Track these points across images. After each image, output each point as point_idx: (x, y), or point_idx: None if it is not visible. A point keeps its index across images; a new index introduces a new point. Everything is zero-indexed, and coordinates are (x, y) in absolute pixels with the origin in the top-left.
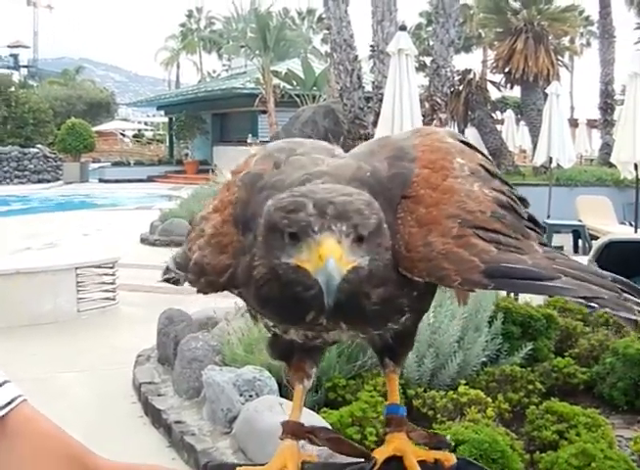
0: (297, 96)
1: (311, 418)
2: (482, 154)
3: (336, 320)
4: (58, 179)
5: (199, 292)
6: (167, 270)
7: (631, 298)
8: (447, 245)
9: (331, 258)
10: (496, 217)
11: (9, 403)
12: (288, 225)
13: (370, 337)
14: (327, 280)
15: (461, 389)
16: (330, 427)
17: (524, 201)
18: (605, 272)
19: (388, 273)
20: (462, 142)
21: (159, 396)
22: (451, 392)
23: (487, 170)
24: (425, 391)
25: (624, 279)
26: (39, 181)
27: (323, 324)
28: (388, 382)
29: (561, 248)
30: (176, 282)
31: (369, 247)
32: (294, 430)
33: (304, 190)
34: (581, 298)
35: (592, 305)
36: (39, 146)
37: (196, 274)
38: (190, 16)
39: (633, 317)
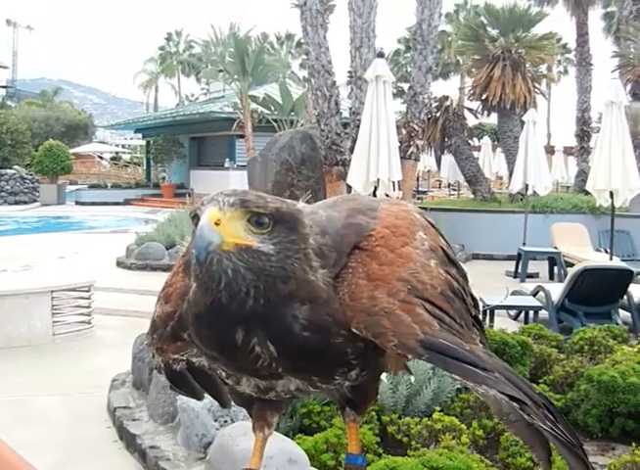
0: (275, 121)
1: (286, 444)
2: (445, 240)
3: (268, 346)
4: (35, 201)
5: (153, 357)
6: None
7: (548, 415)
8: (392, 305)
9: (204, 219)
10: (445, 297)
11: None
12: (191, 216)
13: (326, 390)
14: (196, 239)
15: (435, 415)
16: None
17: (476, 301)
18: (533, 385)
19: (315, 293)
20: (429, 223)
21: (133, 420)
22: (426, 418)
23: (447, 255)
24: (399, 417)
25: (547, 397)
26: (16, 203)
27: (257, 352)
28: (348, 431)
29: (537, 274)
30: (159, 369)
31: (275, 237)
32: None
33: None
34: (508, 396)
35: (514, 404)
36: (16, 167)
37: (150, 333)
38: (169, 39)
39: (544, 428)
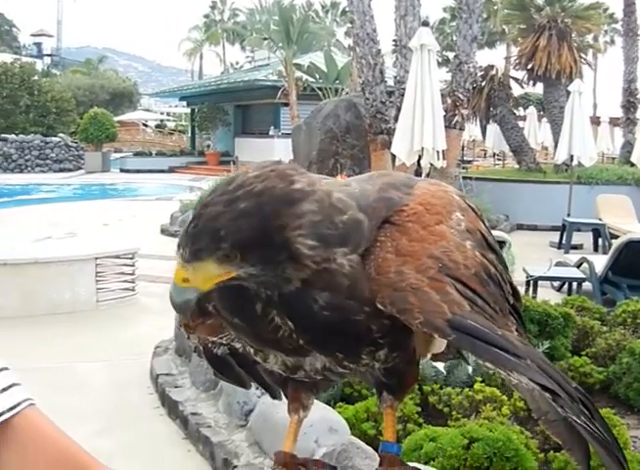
0: (320, 89)
1: (327, 413)
2: (486, 226)
3: (287, 321)
4: (79, 168)
5: (188, 338)
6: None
7: (584, 410)
8: (420, 282)
9: (172, 283)
10: (479, 279)
11: (13, 408)
12: None
13: (356, 371)
14: (172, 305)
15: (476, 386)
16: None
17: (516, 291)
18: (570, 380)
19: (334, 282)
20: (470, 206)
21: (176, 387)
22: (467, 389)
23: (486, 240)
24: (441, 387)
25: (584, 392)
26: (61, 170)
27: (276, 322)
28: (384, 418)
29: (581, 246)
30: (198, 353)
31: (249, 259)
32: (286, 461)
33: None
34: (540, 385)
35: (546, 394)
36: (61, 135)
37: None
38: (214, 7)
39: (578, 422)
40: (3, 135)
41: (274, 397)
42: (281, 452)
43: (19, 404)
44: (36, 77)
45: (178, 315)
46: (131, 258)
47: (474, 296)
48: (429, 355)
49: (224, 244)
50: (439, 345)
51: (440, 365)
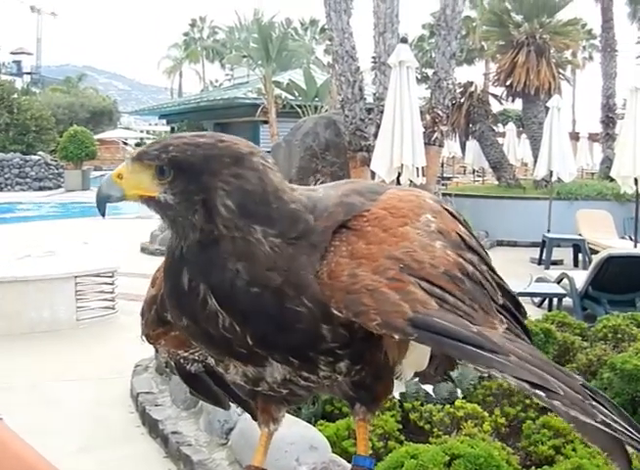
0: (299, 107)
1: (308, 430)
2: (467, 228)
3: (214, 299)
4: (59, 187)
5: (157, 352)
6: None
7: (598, 406)
8: (376, 283)
9: (107, 175)
10: (450, 277)
11: None
12: None
13: (320, 384)
14: (96, 193)
15: (458, 403)
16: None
17: (505, 290)
18: (577, 376)
19: (249, 251)
20: (445, 209)
21: (156, 406)
22: (448, 406)
23: (464, 240)
24: (422, 404)
25: (594, 388)
26: (40, 188)
27: (209, 304)
28: (357, 430)
29: (561, 262)
30: (171, 369)
31: (175, 186)
32: None
33: None
34: (528, 382)
35: (538, 392)
36: (41, 153)
37: (141, 320)
38: (193, 25)
39: (593, 422)
40: None
41: (255, 418)
42: (251, 467)
43: None
44: (16, 95)
45: (143, 307)
46: (111, 277)
47: (443, 293)
48: (411, 376)
49: (165, 156)
50: (418, 353)
51: (429, 388)
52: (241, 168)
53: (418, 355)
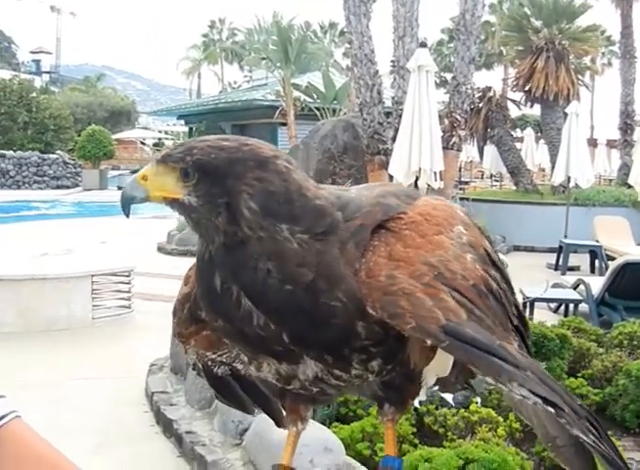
0: (318, 109)
1: (322, 432)
2: (491, 244)
3: (247, 298)
4: (77, 186)
5: (185, 352)
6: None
7: (591, 428)
8: (413, 287)
9: (132, 177)
10: (478, 291)
11: None
12: None
13: (350, 383)
14: (120, 194)
15: (472, 407)
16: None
17: (521, 314)
18: (575, 397)
19: (279, 250)
20: (474, 223)
21: (171, 405)
22: (462, 410)
23: (489, 256)
24: (436, 408)
25: (590, 411)
26: (58, 187)
27: (243, 304)
28: (385, 432)
29: (578, 268)
30: (198, 371)
31: (199, 189)
32: None
33: None
34: (542, 398)
35: (549, 408)
36: (59, 152)
37: (172, 320)
38: (212, 26)
39: (587, 441)
40: (1, 151)
41: (278, 424)
42: (279, 465)
43: (5, 416)
44: (35, 94)
45: (175, 305)
46: (127, 276)
47: (471, 306)
48: (434, 382)
49: (190, 159)
50: (442, 360)
51: (449, 396)
52: (265, 172)
53: (441, 363)
